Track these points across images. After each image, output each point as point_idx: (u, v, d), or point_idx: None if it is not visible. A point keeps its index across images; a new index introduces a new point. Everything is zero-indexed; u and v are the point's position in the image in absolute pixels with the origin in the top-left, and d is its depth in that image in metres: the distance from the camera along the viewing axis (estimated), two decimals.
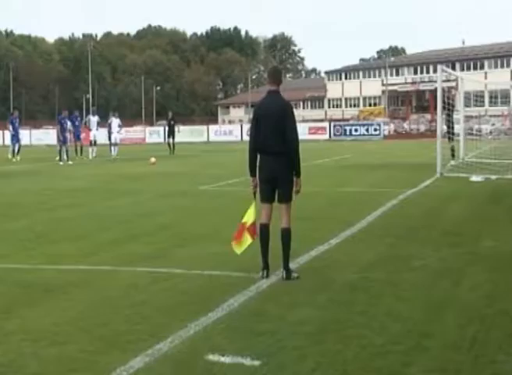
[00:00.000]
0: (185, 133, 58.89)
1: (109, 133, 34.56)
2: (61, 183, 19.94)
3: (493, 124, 47.55)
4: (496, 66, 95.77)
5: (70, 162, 29.62)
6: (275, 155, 7.30)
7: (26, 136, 56.18)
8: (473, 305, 6.16)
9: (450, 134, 22.97)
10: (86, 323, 5.83)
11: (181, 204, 14.29)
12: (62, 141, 30.98)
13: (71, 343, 5.33)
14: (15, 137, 33.70)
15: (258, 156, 7.47)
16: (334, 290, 6.84)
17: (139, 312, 6.13)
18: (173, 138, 36.03)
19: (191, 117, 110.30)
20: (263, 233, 7.38)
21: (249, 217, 7.41)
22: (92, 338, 5.43)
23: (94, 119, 34.99)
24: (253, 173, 7.52)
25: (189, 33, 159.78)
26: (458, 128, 24.96)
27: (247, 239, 7.38)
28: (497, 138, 32.58)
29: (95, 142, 34.12)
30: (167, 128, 37.62)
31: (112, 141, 34.33)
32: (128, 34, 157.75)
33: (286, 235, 7.37)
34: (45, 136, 61.63)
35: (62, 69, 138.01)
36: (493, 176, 18.30)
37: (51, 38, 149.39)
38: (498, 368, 4.68)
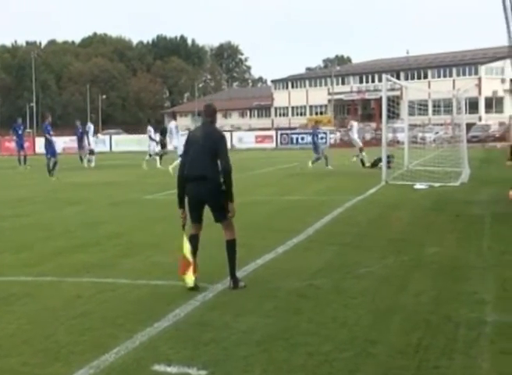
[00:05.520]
0: (131, 142, 58.26)
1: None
2: (5, 192, 19.58)
3: (437, 132, 48.36)
4: (438, 76, 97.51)
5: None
6: (200, 180, 7.22)
7: None
8: (417, 311, 6.24)
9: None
10: (28, 336, 5.73)
11: (127, 213, 14.16)
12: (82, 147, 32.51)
13: (13, 356, 5.23)
14: None
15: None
16: (281, 298, 6.86)
17: (83, 323, 6.04)
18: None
19: (138, 126, 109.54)
20: (192, 242, 7.34)
21: (187, 252, 7.27)
22: (35, 351, 5.33)
23: (92, 126, 33.82)
24: (181, 205, 7.47)
25: (135, 41, 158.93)
26: (402, 136, 25.41)
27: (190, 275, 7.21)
28: (440, 146, 33.10)
29: (93, 151, 33.05)
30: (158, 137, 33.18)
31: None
32: (73, 42, 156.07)
33: (231, 246, 7.36)
34: None
35: (5, 76, 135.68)
36: (436, 184, 18.61)
37: None
38: (441, 373, 4.75)
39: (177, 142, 25.11)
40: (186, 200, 7.42)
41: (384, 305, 6.51)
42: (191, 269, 7.18)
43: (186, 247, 7.28)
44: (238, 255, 7.40)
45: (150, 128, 32.38)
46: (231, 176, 7.31)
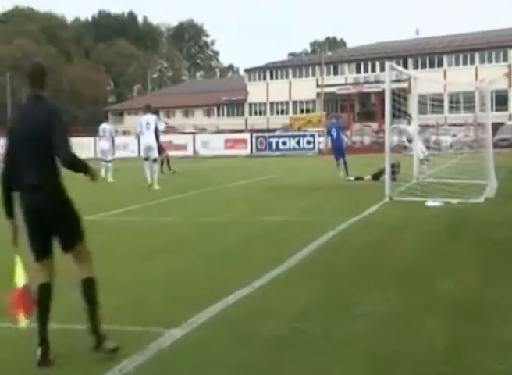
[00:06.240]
0: None
1: None
2: None
3: (454, 135, 48.76)
4: (457, 63, 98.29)
5: None
6: (36, 190, 6.48)
7: None
8: (427, 362, 6.31)
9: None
10: None
11: None
12: None
13: None
14: None
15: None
16: (256, 345, 6.90)
17: None
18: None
19: (75, 126, 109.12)
20: (42, 295, 6.60)
21: (19, 278, 6.59)
22: None
23: None
24: (9, 213, 6.63)
25: (69, 18, 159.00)
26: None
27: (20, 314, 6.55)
28: (459, 153, 33.39)
29: None
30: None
31: None
32: None
33: (89, 287, 6.71)
34: None
35: None
36: (454, 200, 18.73)
37: None
38: None
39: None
40: (22, 218, 6.59)
41: (385, 353, 6.57)
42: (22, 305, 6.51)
43: (19, 272, 6.58)
44: (202, 291, 7.43)
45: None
46: (77, 162, 6.57)
